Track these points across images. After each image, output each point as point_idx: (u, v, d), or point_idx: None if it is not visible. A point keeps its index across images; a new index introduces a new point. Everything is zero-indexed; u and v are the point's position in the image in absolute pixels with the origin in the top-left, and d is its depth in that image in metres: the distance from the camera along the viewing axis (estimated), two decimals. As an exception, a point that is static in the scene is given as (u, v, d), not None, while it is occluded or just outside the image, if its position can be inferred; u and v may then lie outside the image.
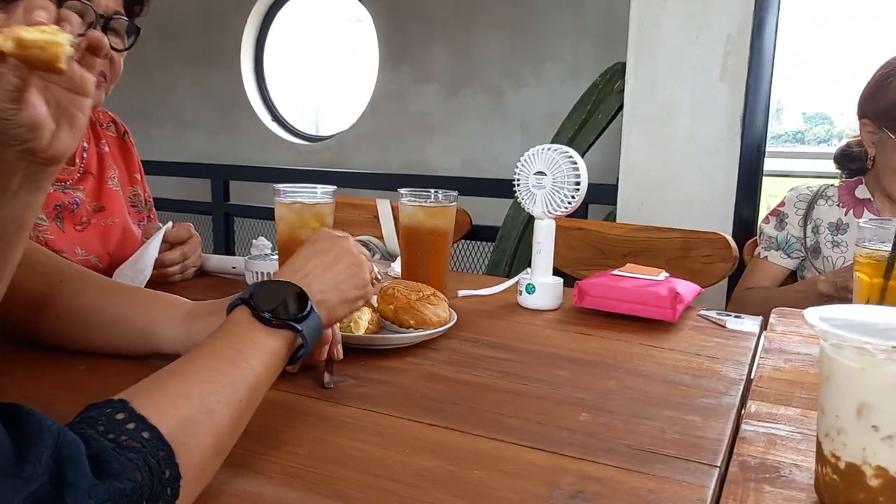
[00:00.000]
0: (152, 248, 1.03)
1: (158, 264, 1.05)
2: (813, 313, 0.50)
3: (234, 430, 0.50)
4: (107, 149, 1.17)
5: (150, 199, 1.27)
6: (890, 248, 0.83)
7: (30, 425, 0.38)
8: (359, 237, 1.81)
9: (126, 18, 1.02)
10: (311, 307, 0.59)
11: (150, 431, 0.43)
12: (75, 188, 1.08)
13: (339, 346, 0.73)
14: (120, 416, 0.43)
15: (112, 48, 1.00)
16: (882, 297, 0.85)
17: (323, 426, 0.60)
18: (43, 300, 0.73)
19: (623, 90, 1.97)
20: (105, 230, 1.10)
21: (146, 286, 0.95)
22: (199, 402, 0.47)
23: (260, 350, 0.54)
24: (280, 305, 0.57)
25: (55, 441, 0.38)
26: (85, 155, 1.12)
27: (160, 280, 1.06)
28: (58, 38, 0.45)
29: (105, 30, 0.99)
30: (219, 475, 0.50)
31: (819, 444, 0.50)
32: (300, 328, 0.57)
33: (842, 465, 0.48)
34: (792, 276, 1.52)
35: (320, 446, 0.56)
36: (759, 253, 1.53)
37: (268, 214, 2.31)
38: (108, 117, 1.22)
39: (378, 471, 0.52)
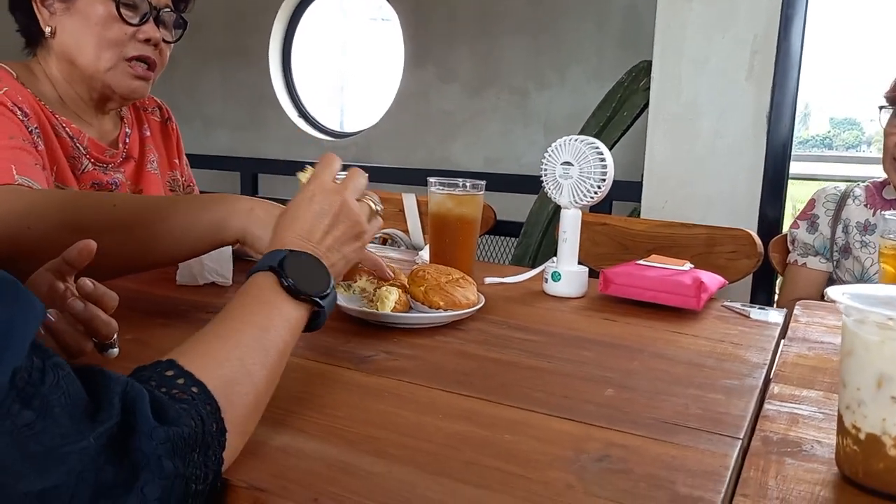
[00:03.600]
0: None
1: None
2: (836, 290, 0.52)
3: (268, 390, 0.53)
4: (148, 133, 1.21)
5: (192, 185, 1.31)
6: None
7: (100, 378, 0.42)
8: (384, 230, 1.84)
9: (175, 12, 1.06)
10: (332, 285, 0.62)
11: (197, 386, 0.46)
12: (116, 170, 1.11)
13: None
14: (169, 372, 0.47)
15: (163, 40, 1.05)
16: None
17: (360, 393, 0.63)
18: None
19: (648, 88, 1.98)
20: None
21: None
22: (239, 363, 0.50)
23: (286, 319, 0.57)
24: (305, 280, 0.59)
25: (123, 389, 0.41)
26: (127, 140, 1.16)
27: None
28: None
29: (156, 21, 1.04)
30: (263, 431, 0.53)
31: (840, 417, 0.52)
32: (323, 305, 0.60)
33: (862, 436, 0.49)
34: (830, 279, 1.52)
35: (358, 410, 0.59)
36: (795, 260, 1.53)
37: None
38: (153, 102, 1.26)
39: (414, 433, 0.55)
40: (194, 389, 0.46)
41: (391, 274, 0.88)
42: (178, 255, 0.85)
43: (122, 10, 1.00)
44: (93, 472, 0.37)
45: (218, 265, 1.00)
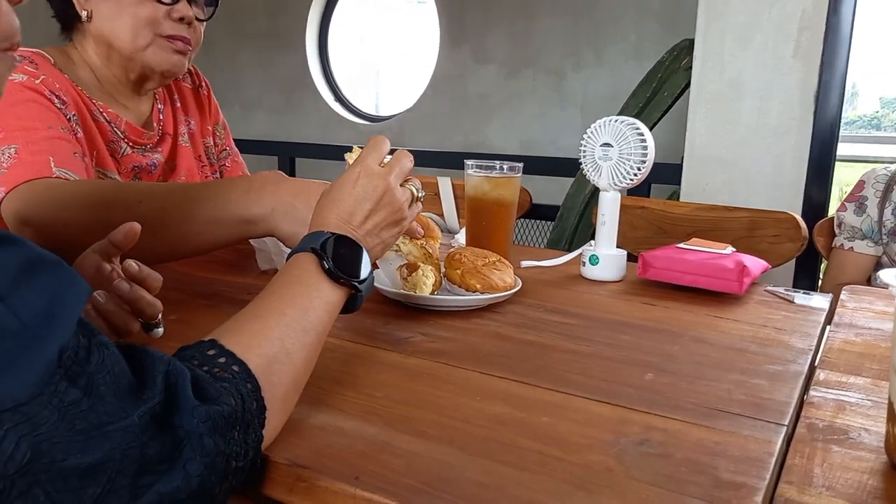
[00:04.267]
0: None
1: None
2: (890, 273, 0.50)
3: (306, 369, 0.54)
4: (179, 104, 1.21)
5: (229, 149, 1.29)
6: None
7: (144, 357, 0.42)
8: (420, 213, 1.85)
9: None
10: (370, 269, 0.62)
11: (238, 365, 0.47)
12: (154, 150, 1.12)
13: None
14: (211, 352, 0.47)
15: (196, 18, 1.06)
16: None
17: (398, 374, 0.63)
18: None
19: (690, 67, 1.93)
20: None
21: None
22: (280, 343, 0.51)
23: (325, 301, 0.57)
24: (345, 264, 0.60)
25: (166, 368, 0.42)
26: (161, 116, 1.16)
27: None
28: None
29: (189, 1, 1.04)
30: (303, 409, 0.54)
31: (891, 405, 0.50)
32: (361, 289, 0.61)
33: (913, 424, 0.48)
34: (878, 264, 1.47)
35: (396, 391, 0.59)
36: (842, 244, 1.49)
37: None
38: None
39: (453, 413, 0.55)
40: (235, 368, 0.47)
41: (421, 231, 0.87)
42: (209, 249, 0.86)
43: None
44: (137, 448, 0.38)
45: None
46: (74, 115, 0.97)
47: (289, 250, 0.98)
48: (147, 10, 1.01)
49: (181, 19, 1.04)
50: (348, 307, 0.61)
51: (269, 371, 0.49)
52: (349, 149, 0.81)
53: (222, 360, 0.47)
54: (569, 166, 2.18)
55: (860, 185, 1.49)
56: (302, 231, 0.84)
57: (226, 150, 1.29)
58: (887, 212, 1.42)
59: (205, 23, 1.10)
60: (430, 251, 0.89)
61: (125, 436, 0.38)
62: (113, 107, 1.07)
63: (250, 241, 1.06)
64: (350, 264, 0.60)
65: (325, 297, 0.57)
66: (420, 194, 0.74)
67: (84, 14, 1.03)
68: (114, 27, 1.02)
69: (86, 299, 0.39)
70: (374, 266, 0.71)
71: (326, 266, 0.58)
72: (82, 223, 0.81)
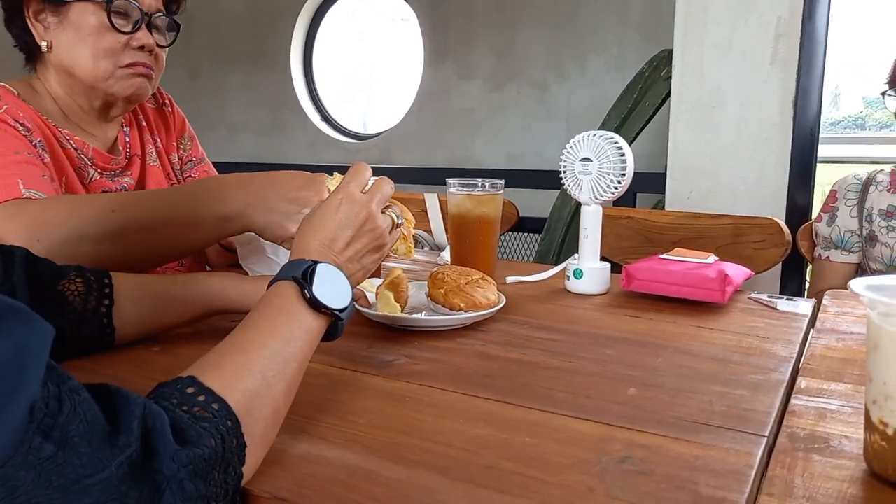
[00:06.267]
0: None
1: None
2: (860, 283, 0.51)
3: (287, 401, 0.54)
4: (145, 123, 1.20)
5: (196, 158, 1.26)
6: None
7: (118, 399, 0.41)
8: (407, 230, 1.85)
9: (167, 16, 1.07)
10: (352, 298, 0.63)
11: (218, 403, 0.46)
12: (123, 174, 1.11)
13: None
14: (190, 389, 0.46)
15: (157, 45, 1.06)
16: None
17: (381, 399, 0.63)
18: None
19: (670, 77, 1.95)
20: None
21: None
22: (260, 377, 0.51)
23: (307, 331, 0.57)
24: (327, 293, 0.60)
25: (142, 412, 0.41)
26: (127, 139, 1.15)
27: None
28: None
29: (149, 27, 1.05)
30: (285, 440, 0.54)
31: (867, 412, 0.51)
32: (342, 318, 0.61)
33: (890, 432, 0.48)
34: (859, 270, 1.49)
35: (379, 416, 0.59)
36: (819, 254, 1.50)
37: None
38: None
39: (435, 437, 0.55)
40: (215, 406, 0.46)
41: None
42: (186, 252, 0.86)
43: (114, 19, 1.00)
44: (117, 499, 0.37)
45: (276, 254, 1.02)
46: (41, 141, 0.97)
47: (284, 249, 0.99)
48: (107, 42, 1.00)
49: (141, 48, 1.03)
50: (329, 335, 0.61)
51: (250, 406, 0.48)
52: (338, 171, 0.82)
53: (202, 398, 0.46)
54: (555, 178, 2.17)
55: (832, 195, 1.51)
56: (277, 221, 0.86)
57: (191, 160, 1.26)
58: (863, 218, 1.43)
59: (166, 49, 1.10)
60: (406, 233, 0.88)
61: (104, 489, 0.37)
62: (79, 134, 1.07)
63: (237, 248, 1.06)
64: (331, 293, 0.60)
65: (306, 326, 0.57)
66: (400, 221, 0.75)
67: (44, 44, 1.02)
68: (74, 57, 1.02)
69: (50, 342, 0.37)
70: (356, 294, 0.72)
71: (308, 296, 0.58)
72: (55, 239, 0.81)
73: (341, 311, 0.60)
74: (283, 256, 1.03)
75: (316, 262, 0.61)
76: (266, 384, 0.51)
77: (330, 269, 0.62)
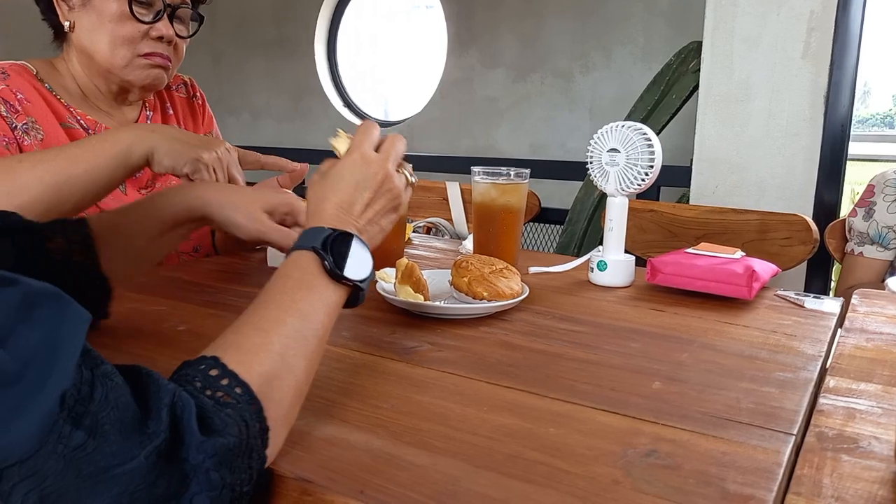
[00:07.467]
0: None
1: None
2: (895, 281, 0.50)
3: (308, 378, 0.53)
4: (172, 112, 1.21)
5: None
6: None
7: (149, 385, 0.41)
8: (428, 219, 1.85)
9: (191, 8, 1.07)
10: (372, 265, 0.61)
11: (241, 387, 0.46)
12: None
13: None
14: (213, 372, 0.46)
15: (177, 35, 1.06)
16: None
17: (405, 385, 0.63)
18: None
19: (698, 70, 1.93)
20: None
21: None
22: (281, 358, 0.50)
23: (327, 303, 0.56)
24: (348, 262, 0.58)
25: (172, 400, 0.41)
26: (148, 122, 1.16)
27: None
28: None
29: (171, 18, 1.05)
30: (310, 421, 0.54)
31: (901, 414, 0.50)
32: (363, 288, 0.59)
33: (925, 434, 0.47)
34: (891, 267, 1.46)
35: (403, 402, 0.59)
36: (852, 249, 1.48)
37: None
38: (178, 79, 1.25)
39: (459, 425, 0.55)
40: (238, 391, 0.46)
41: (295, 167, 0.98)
42: (101, 193, 0.87)
43: (135, 8, 1.01)
44: (144, 489, 0.37)
45: None
46: (24, 124, 0.97)
47: None
48: (126, 30, 1.01)
49: (160, 38, 1.04)
50: (350, 302, 0.60)
51: (272, 388, 0.48)
52: (337, 130, 0.78)
53: (225, 381, 0.46)
54: (578, 170, 2.17)
55: (870, 189, 1.48)
56: (181, 150, 0.88)
57: None
58: None
59: (188, 39, 1.10)
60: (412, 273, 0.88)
61: (132, 478, 0.37)
62: (93, 114, 1.08)
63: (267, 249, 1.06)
64: (352, 262, 0.58)
65: (325, 299, 0.56)
66: (413, 178, 0.73)
67: (67, 24, 1.03)
68: (92, 41, 1.03)
69: (86, 328, 0.37)
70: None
71: (328, 267, 0.56)
72: None
73: (363, 280, 0.59)
74: None
75: (335, 231, 0.59)
76: (287, 366, 0.50)
77: (349, 238, 0.60)
